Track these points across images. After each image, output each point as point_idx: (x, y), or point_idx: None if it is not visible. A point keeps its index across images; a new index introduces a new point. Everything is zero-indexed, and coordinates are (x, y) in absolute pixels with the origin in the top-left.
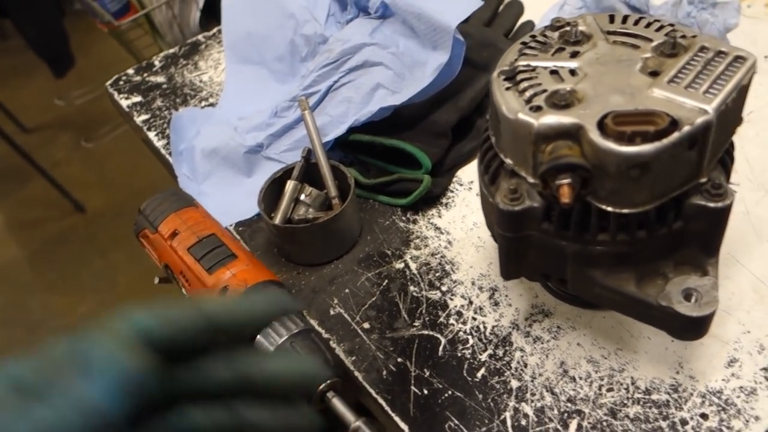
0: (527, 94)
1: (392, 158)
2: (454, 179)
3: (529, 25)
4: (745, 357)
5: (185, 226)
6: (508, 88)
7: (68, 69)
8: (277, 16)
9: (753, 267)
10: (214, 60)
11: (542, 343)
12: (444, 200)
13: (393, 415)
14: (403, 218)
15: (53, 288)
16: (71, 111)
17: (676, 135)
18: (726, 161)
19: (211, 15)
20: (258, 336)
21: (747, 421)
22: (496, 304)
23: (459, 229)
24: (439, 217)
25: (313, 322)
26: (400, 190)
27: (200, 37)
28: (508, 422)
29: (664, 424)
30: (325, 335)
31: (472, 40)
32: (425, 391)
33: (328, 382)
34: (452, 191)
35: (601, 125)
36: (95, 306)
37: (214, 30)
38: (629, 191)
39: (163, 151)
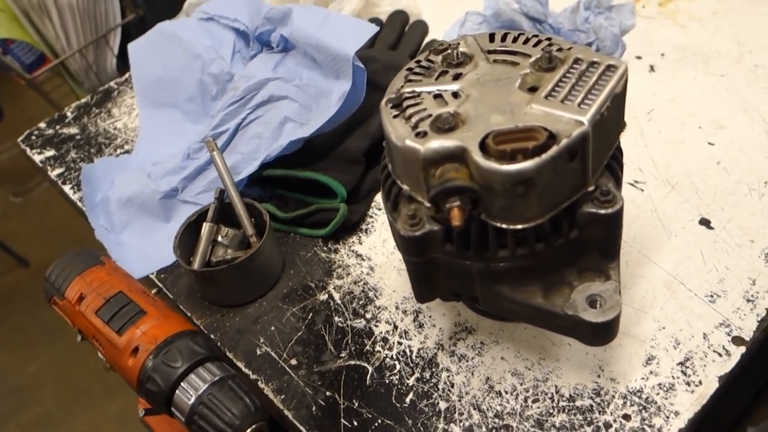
0: (413, 120)
1: (309, 189)
2: (373, 204)
3: (435, 44)
4: (662, 354)
5: (91, 288)
6: (395, 116)
7: None
8: (183, 58)
9: (664, 263)
10: (127, 106)
11: (467, 361)
12: (364, 226)
13: None
14: (325, 248)
15: (2, 346)
16: (1, 165)
17: (554, 149)
18: (614, 167)
19: (127, 60)
20: (176, 391)
21: (667, 417)
22: (421, 326)
23: (380, 254)
24: (360, 243)
25: (240, 364)
26: (320, 220)
27: (112, 83)
28: None
29: (589, 429)
30: (253, 376)
31: (378, 63)
32: (355, 423)
33: (254, 427)
34: (371, 216)
35: (483, 146)
36: (48, 361)
37: (126, 75)
38: (519, 207)
39: (79, 204)
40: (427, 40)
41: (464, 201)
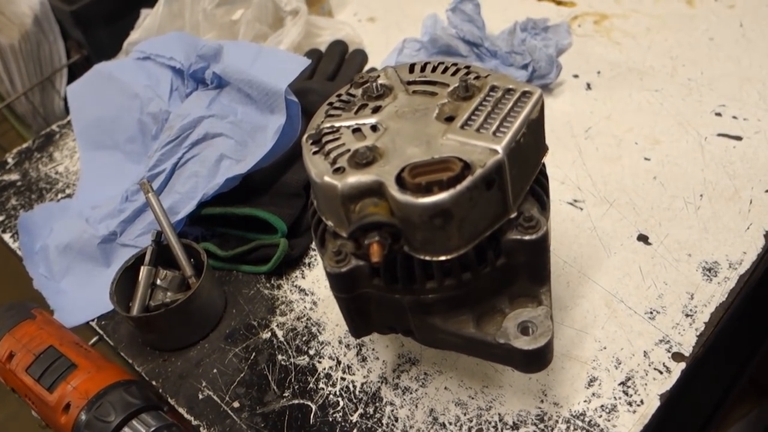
0: (332, 155)
1: (250, 226)
2: None
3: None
4: (604, 374)
5: (20, 345)
6: (315, 152)
7: None
8: (121, 98)
9: (604, 282)
10: (69, 149)
11: (411, 393)
12: (306, 260)
13: None
14: (268, 285)
15: None
16: None
17: (469, 179)
18: (537, 191)
19: None
20: None
21: None
22: (364, 359)
23: (323, 288)
24: (303, 278)
25: (182, 411)
26: (262, 256)
27: (54, 126)
28: None
29: None
30: (195, 422)
31: (316, 95)
32: None
33: None
34: (314, 250)
35: (400, 179)
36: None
37: (68, 118)
38: (440, 239)
39: (19, 253)
40: (366, 68)
41: (383, 236)
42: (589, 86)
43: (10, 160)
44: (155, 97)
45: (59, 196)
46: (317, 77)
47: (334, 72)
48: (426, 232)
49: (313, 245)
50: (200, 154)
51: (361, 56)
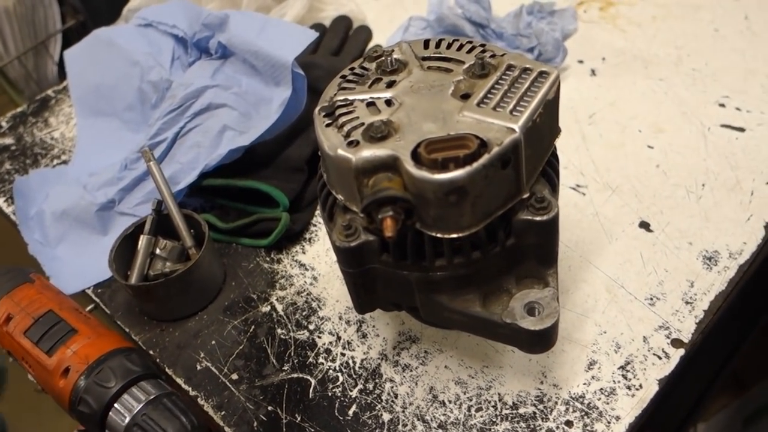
0: (345, 129)
1: (251, 198)
2: (316, 213)
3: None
4: (603, 358)
5: (19, 308)
6: (328, 125)
7: None
8: (121, 65)
9: (605, 267)
10: (65, 115)
11: (411, 371)
12: (307, 235)
13: None
14: (267, 259)
15: None
16: None
17: (486, 157)
18: (549, 173)
19: None
20: (110, 413)
21: (609, 422)
22: (364, 336)
23: (323, 264)
24: (303, 253)
25: (179, 381)
26: (262, 230)
27: (50, 92)
28: None
29: None
30: (193, 392)
31: (321, 70)
32: None
33: None
34: (315, 225)
35: (415, 155)
36: None
37: (65, 83)
38: (453, 216)
39: (13, 217)
40: (370, 45)
41: (397, 211)
42: (593, 72)
43: (3, 123)
44: (156, 66)
45: (54, 162)
46: (321, 52)
47: (338, 47)
48: (439, 209)
49: (314, 221)
50: (203, 124)
51: (366, 33)
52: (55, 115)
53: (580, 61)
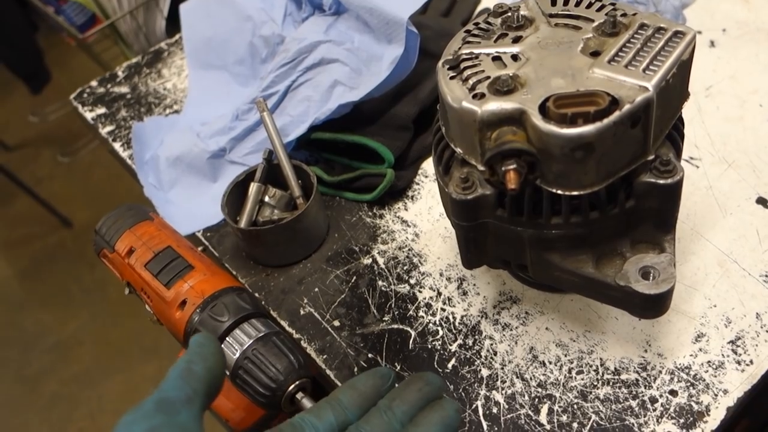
0: (470, 81)
1: (356, 154)
2: (420, 171)
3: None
4: (712, 331)
5: (140, 242)
6: (452, 77)
7: (44, 85)
8: (234, 20)
9: (717, 241)
10: (177, 67)
11: (511, 330)
12: (410, 193)
13: None
14: (370, 214)
15: (45, 305)
16: (49, 127)
17: (616, 114)
18: (675, 137)
19: (177, 22)
20: (222, 345)
21: (716, 395)
22: (465, 293)
23: (425, 221)
24: (406, 210)
25: (284, 323)
26: (366, 185)
27: (163, 44)
28: (480, 411)
29: (634, 403)
30: (296, 335)
31: (430, 30)
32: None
33: (297, 383)
34: (418, 183)
35: (543, 109)
36: (87, 320)
37: (177, 37)
38: (576, 173)
39: (128, 161)
40: (480, 8)
41: (520, 165)
42: (712, 44)
43: (120, 73)
44: (268, 21)
45: (167, 111)
46: (431, 13)
47: (447, 9)
48: (564, 165)
49: (417, 179)
50: (314, 78)
51: None
52: (168, 67)
53: (699, 32)
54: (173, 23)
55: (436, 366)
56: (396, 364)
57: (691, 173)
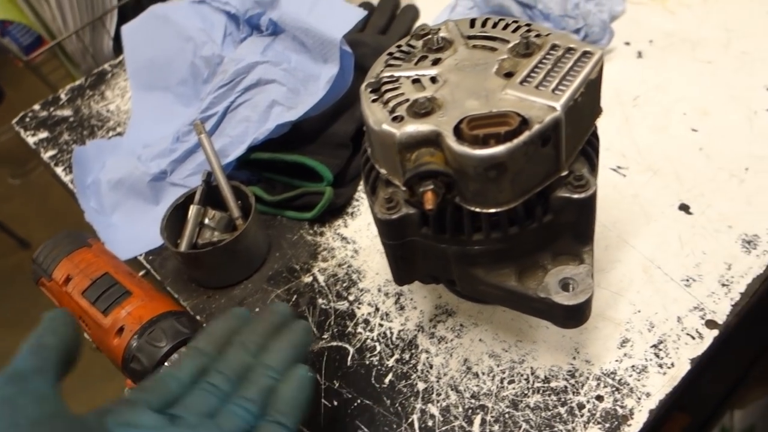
0: (391, 104)
1: (296, 173)
2: (359, 188)
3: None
4: (636, 336)
5: (78, 270)
6: (374, 100)
7: None
8: (176, 41)
9: (642, 247)
10: (120, 88)
11: (446, 343)
12: (350, 210)
13: (304, 429)
14: (311, 231)
15: (2, 327)
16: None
17: (526, 134)
18: (588, 152)
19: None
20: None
21: (639, 398)
22: (402, 308)
23: (365, 238)
24: (345, 227)
25: None
26: (306, 203)
27: (106, 66)
28: (416, 424)
29: (562, 410)
30: None
31: (367, 48)
32: (335, 403)
33: None
34: (357, 200)
35: (457, 130)
36: None
37: (120, 58)
38: (492, 191)
39: (70, 186)
40: (417, 24)
41: (438, 185)
42: (640, 54)
43: (63, 96)
44: (209, 41)
45: (110, 133)
46: (368, 31)
47: (385, 26)
48: (479, 184)
49: (357, 196)
50: (252, 99)
51: (413, 12)
52: (111, 89)
53: (627, 43)
54: (120, 43)
55: (373, 381)
56: (335, 381)
57: (618, 182)
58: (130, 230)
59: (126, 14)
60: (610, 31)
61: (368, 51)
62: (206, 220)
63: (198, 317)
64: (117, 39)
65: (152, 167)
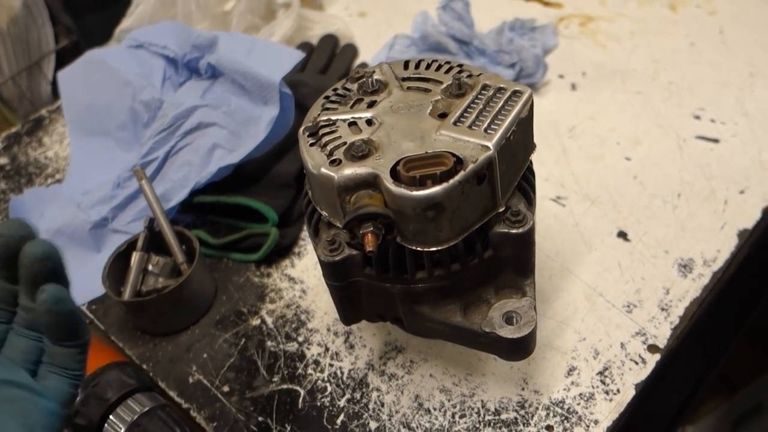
0: (328, 148)
1: (241, 215)
2: (305, 227)
3: (352, 72)
4: (582, 364)
5: None
6: (312, 144)
7: None
8: (114, 85)
9: (584, 276)
10: (59, 134)
11: (397, 380)
12: (296, 250)
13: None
14: (258, 273)
15: None
16: None
17: (461, 174)
18: (524, 187)
19: None
20: (105, 424)
21: (587, 426)
22: (352, 347)
23: (312, 277)
24: (292, 267)
25: (172, 393)
26: (252, 245)
27: (44, 111)
28: None
29: None
30: (185, 405)
31: (308, 88)
32: None
33: None
34: (303, 240)
35: (394, 172)
36: None
37: (57, 104)
38: (432, 230)
39: None
40: (357, 62)
41: (377, 226)
42: (574, 86)
43: None
44: (148, 85)
45: (49, 181)
46: (309, 70)
47: (325, 66)
48: (418, 224)
49: (303, 235)
50: (193, 143)
51: (352, 51)
52: (49, 135)
53: (561, 76)
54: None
55: (325, 423)
56: (286, 425)
57: (558, 212)
58: (72, 280)
59: (63, 59)
60: (543, 65)
61: (309, 91)
62: (150, 267)
63: (144, 366)
64: (55, 84)
65: (93, 214)
